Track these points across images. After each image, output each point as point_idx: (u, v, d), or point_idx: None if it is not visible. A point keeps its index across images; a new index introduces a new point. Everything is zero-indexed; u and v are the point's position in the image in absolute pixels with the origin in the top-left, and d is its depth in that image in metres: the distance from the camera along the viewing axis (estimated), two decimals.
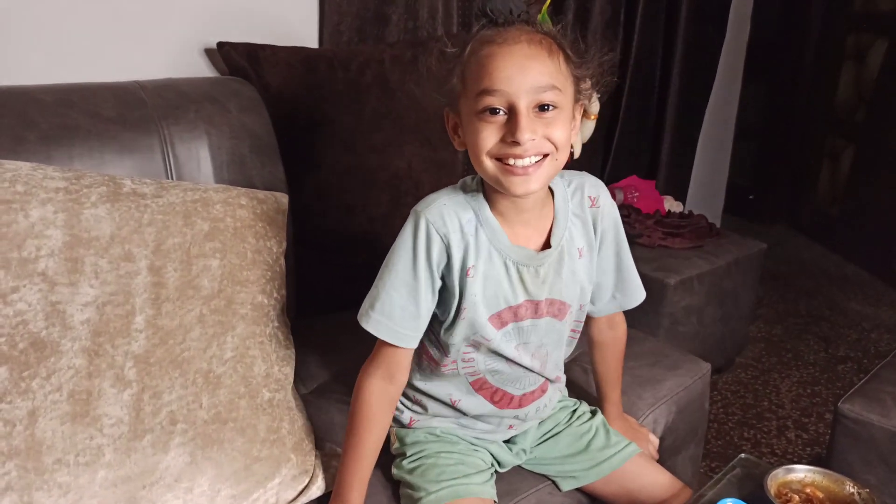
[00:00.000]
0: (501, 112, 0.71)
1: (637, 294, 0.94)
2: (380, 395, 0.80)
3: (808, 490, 0.82)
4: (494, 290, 0.80)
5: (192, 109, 1.09)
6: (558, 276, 0.83)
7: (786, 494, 0.81)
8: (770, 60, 3.08)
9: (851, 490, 0.80)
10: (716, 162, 2.69)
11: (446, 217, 0.78)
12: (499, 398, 0.88)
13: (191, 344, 0.82)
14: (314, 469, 0.85)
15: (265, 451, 0.80)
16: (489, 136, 0.72)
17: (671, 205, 2.02)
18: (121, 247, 0.84)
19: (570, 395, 1.04)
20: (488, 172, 0.74)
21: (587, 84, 0.77)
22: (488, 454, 0.91)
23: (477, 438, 0.91)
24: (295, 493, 0.82)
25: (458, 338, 0.82)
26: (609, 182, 2.11)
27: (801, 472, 0.83)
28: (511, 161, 0.72)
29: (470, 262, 0.78)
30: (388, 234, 1.38)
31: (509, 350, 0.83)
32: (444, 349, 0.85)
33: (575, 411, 0.99)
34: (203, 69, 1.29)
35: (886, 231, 2.65)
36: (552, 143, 0.72)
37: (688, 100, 2.30)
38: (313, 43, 1.43)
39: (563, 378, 0.98)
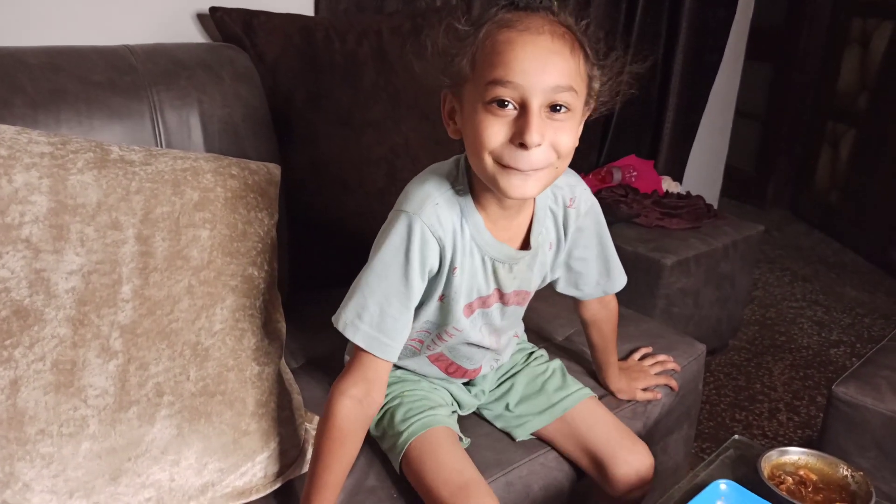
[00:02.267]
0: (511, 106, 0.65)
1: (620, 279, 0.95)
2: (355, 419, 0.73)
3: (801, 472, 0.82)
4: (470, 283, 0.79)
5: (184, 76, 1.07)
6: (529, 271, 0.84)
7: (779, 476, 0.80)
8: (773, 42, 3.04)
9: (845, 473, 0.80)
10: (715, 144, 2.67)
11: (443, 219, 0.73)
12: (453, 370, 0.91)
13: (179, 315, 0.80)
14: (303, 443, 0.84)
15: (254, 424, 0.79)
16: (495, 134, 0.66)
17: (669, 185, 2.00)
18: (108, 215, 0.82)
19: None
20: (487, 171, 0.68)
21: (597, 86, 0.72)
22: (448, 394, 0.92)
23: (436, 380, 0.93)
24: (283, 467, 0.81)
25: (421, 321, 0.82)
26: (607, 161, 2.09)
27: (794, 455, 0.83)
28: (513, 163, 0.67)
29: (457, 262, 0.76)
30: (384, 211, 1.36)
31: (475, 334, 0.84)
32: None
33: (532, 353, 1.01)
34: (195, 35, 1.25)
35: (885, 219, 2.64)
36: (557, 151, 0.67)
37: (692, 80, 2.27)
38: (309, 10, 1.39)
39: (521, 326, 1.01)
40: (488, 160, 0.67)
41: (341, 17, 1.41)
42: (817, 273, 2.63)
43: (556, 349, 1.16)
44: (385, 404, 0.88)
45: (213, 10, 1.21)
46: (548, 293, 1.04)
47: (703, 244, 1.71)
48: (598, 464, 0.90)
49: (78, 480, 0.68)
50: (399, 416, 0.85)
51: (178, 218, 0.87)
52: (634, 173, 1.91)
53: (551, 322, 1.22)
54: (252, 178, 0.97)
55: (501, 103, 0.65)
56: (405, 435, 0.82)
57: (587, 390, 0.96)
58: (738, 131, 2.78)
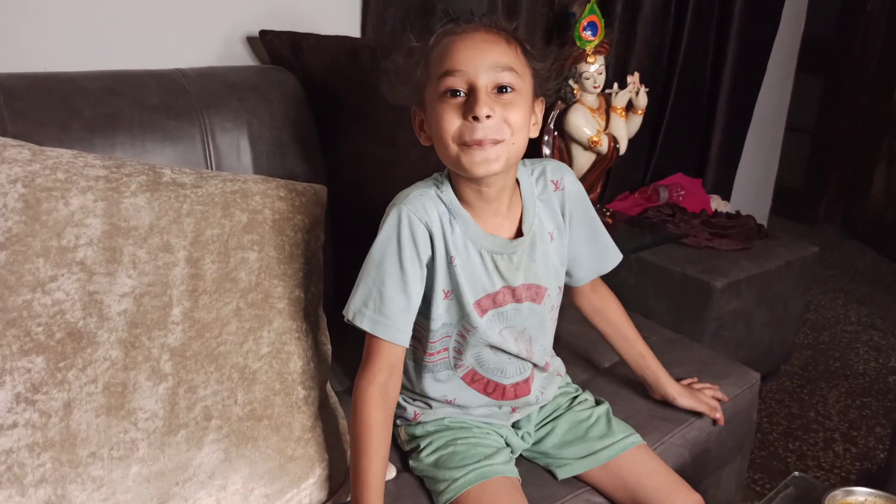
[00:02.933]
0: (462, 93, 0.74)
1: (614, 255, 0.96)
2: (382, 405, 0.78)
3: None
4: (472, 279, 0.82)
5: (235, 98, 1.08)
6: (532, 261, 0.86)
7: None
8: (824, 55, 2.95)
9: None
10: (764, 161, 2.60)
11: (427, 207, 0.80)
12: (491, 389, 0.90)
13: (227, 338, 0.80)
14: (349, 469, 0.83)
15: (300, 450, 0.79)
16: (452, 118, 0.74)
17: (718, 204, 1.95)
18: (159, 237, 0.83)
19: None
20: (451, 155, 0.75)
21: (548, 82, 0.80)
22: (500, 437, 0.91)
23: (485, 423, 0.91)
24: (329, 494, 0.80)
25: (438, 323, 0.84)
26: (653, 179, 2.05)
27: (860, 496, 0.79)
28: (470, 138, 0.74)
29: (452, 252, 0.81)
30: None
31: (493, 336, 0.85)
32: (425, 336, 0.85)
33: (576, 398, 0.99)
34: (245, 58, 1.28)
35: None
36: (509, 126, 0.74)
37: (739, 96, 2.22)
38: (356, 33, 1.41)
39: (561, 365, 1.00)
40: (451, 145, 0.75)
41: (387, 37, 1.42)
42: (873, 295, 2.53)
43: (603, 375, 1.13)
44: (436, 448, 0.88)
45: (262, 33, 1.23)
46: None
47: (754, 266, 1.65)
48: None
49: None
50: (453, 462, 0.85)
51: (227, 240, 0.87)
52: (682, 192, 1.87)
53: (597, 348, 1.20)
54: (299, 200, 0.98)
55: (453, 92, 0.74)
56: (461, 481, 0.82)
57: (635, 438, 0.93)
58: (787, 146, 2.70)
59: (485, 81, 0.73)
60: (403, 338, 0.79)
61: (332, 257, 1.14)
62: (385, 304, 0.77)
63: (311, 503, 0.79)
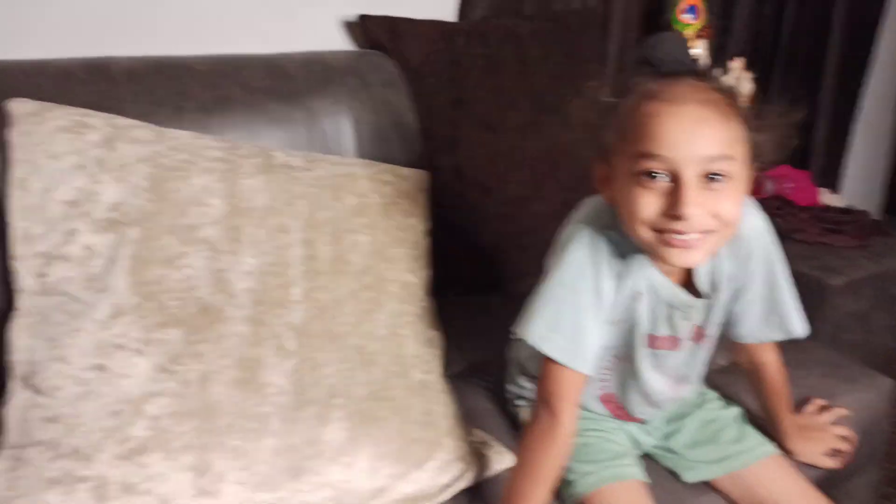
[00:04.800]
0: (662, 177, 0.67)
1: (789, 326, 0.87)
2: (569, 438, 0.76)
3: None
4: (643, 320, 0.80)
5: (336, 83, 1.13)
6: (700, 314, 0.83)
7: None
8: None
9: None
10: (875, 152, 2.50)
11: (617, 229, 0.75)
12: (620, 413, 0.90)
13: (345, 319, 0.84)
14: (467, 456, 0.85)
15: (419, 433, 0.81)
16: (647, 205, 0.67)
17: (830, 199, 1.89)
18: (276, 218, 0.87)
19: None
20: (644, 241, 0.70)
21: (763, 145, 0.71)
22: (627, 435, 0.91)
23: (613, 418, 0.91)
24: (450, 479, 0.82)
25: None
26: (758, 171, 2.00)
27: None
28: (671, 234, 0.68)
29: (640, 287, 0.77)
30: (526, 217, 1.34)
31: (646, 370, 0.83)
32: None
33: (703, 394, 0.97)
34: (342, 42, 1.32)
35: None
36: (718, 219, 0.67)
37: (845, 83, 2.15)
38: (451, 17, 1.43)
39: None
40: (644, 231, 0.69)
41: (482, 21, 1.44)
42: None
43: (719, 374, 1.11)
44: None
45: (362, 17, 1.27)
46: None
47: (873, 264, 1.60)
48: None
49: (263, 475, 0.73)
50: (584, 454, 0.84)
51: (338, 223, 0.91)
52: (791, 185, 1.82)
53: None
54: (404, 185, 1.01)
55: (652, 175, 0.67)
56: (594, 477, 0.82)
57: (770, 447, 0.90)
58: None
59: (693, 172, 0.65)
60: (591, 367, 0.77)
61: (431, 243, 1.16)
62: (580, 334, 0.74)
63: (433, 485, 0.81)
